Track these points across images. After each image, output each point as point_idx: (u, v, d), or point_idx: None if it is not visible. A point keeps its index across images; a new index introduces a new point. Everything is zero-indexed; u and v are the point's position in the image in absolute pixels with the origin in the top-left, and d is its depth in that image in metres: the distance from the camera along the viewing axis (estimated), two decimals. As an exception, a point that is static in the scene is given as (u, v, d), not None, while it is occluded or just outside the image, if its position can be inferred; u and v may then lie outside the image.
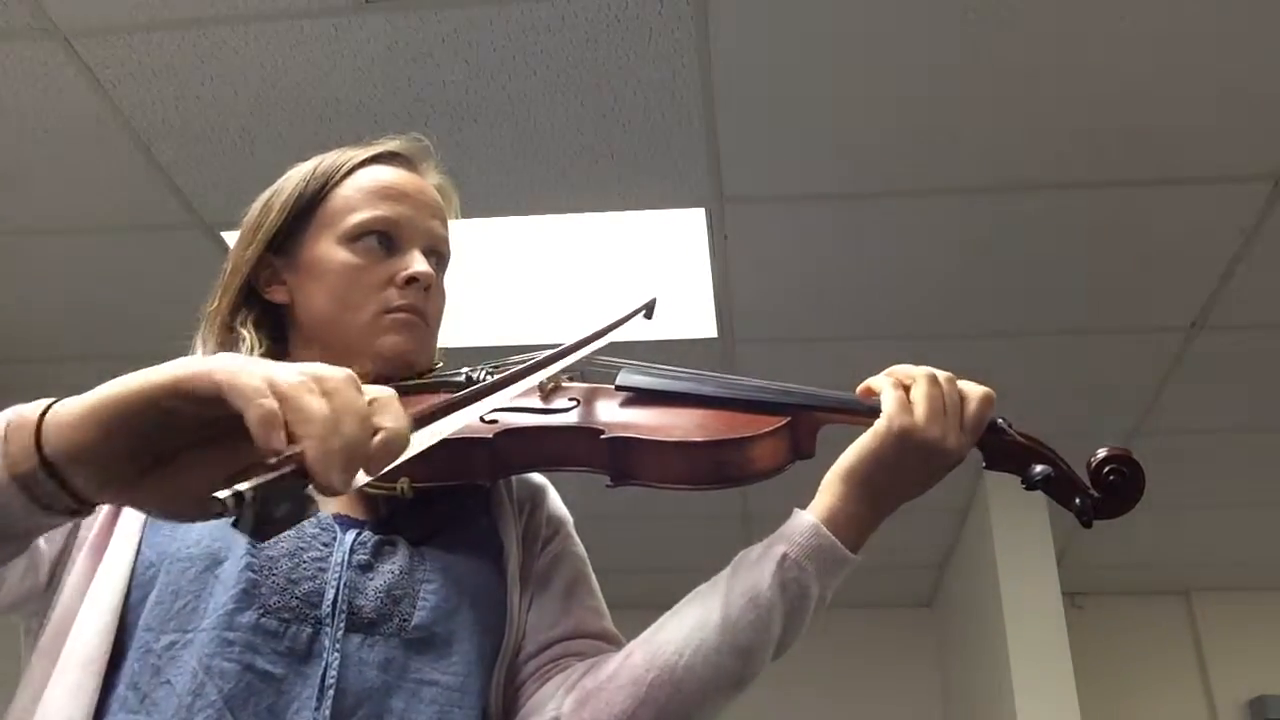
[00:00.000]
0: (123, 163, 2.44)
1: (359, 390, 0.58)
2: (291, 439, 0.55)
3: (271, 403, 0.56)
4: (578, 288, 2.88)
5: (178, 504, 0.61)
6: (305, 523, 0.90)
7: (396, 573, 0.91)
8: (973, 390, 0.94)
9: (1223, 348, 2.95)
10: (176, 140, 2.39)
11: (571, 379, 1.02)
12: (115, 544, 0.88)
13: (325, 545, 0.90)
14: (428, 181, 1.10)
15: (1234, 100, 2.19)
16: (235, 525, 0.53)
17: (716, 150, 2.38)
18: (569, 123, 2.32)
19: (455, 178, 1.16)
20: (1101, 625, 4.43)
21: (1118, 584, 4.55)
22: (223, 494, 0.51)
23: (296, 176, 1.07)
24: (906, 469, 0.91)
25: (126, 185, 2.51)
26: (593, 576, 1.07)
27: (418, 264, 1.02)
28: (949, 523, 4.10)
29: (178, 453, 0.60)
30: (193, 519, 0.62)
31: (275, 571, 0.86)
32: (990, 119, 2.27)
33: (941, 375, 0.93)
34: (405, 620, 0.89)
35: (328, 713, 0.83)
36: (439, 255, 1.07)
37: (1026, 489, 0.95)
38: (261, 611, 0.84)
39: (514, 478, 1.07)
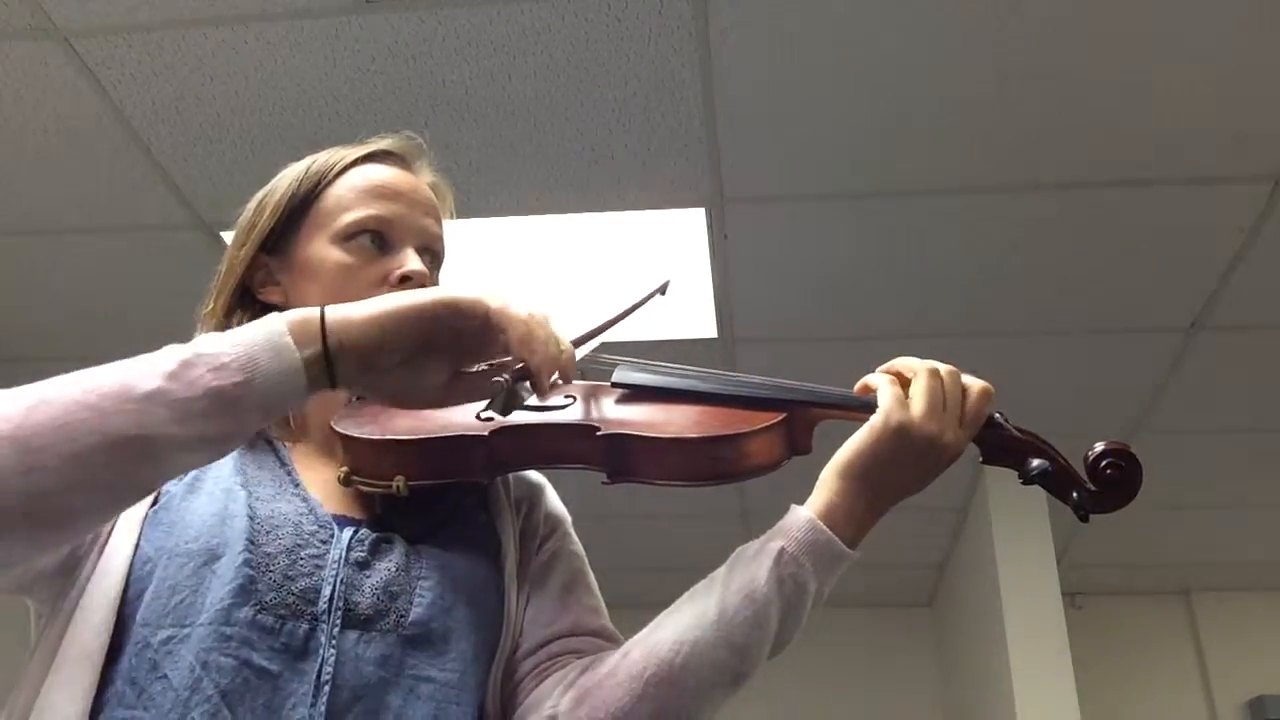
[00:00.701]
0: (123, 163, 2.45)
1: (552, 324, 0.84)
2: (522, 353, 0.81)
3: (526, 329, 0.81)
4: (578, 288, 2.88)
5: (417, 390, 0.83)
6: (303, 520, 0.91)
7: (393, 570, 0.91)
8: (971, 384, 0.94)
9: (1223, 348, 2.95)
10: (176, 140, 2.39)
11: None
12: (114, 540, 0.88)
13: (323, 543, 0.91)
14: (421, 180, 1.10)
15: (1234, 100, 2.19)
16: (489, 405, 0.83)
17: (716, 150, 2.38)
18: (569, 123, 2.32)
19: (455, 178, 1.16)
20: (1101, 625, 4.43)
21: (1118, 584, 4.55)
22: (496, 379, 0.81)
23: (290, 176, 1.07)
24: (903, 464, 0.91)
25: (126, 185, 2.52)
26: (590, 574, 1.07)
27: (411, 263, 1.01)
28: (949, 522, 4.10)
29: (414, 355, 0.80)
30: (434, 402, 0.86)
31: (272, 568, 0.87)
32: (990, 119, 2.27)
33: (944, 370, 0.93)
34: (402, 617, 0.89)
35: (324, 708, 0.83)
36: (433, 253, 1.07)
37: (1023, 483, 0.94)
38: (258, 607, 0.85)
39: (512, 476, 1.07)
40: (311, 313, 0.79)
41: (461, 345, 0.82)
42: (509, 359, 0.82)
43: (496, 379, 0.81)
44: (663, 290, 1.09)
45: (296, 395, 0.78)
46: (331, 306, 0.79)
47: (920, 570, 4.54)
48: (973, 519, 3.95)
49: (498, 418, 0.93)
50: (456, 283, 0.83)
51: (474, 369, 0.84)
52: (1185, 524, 3.99)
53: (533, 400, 0.91)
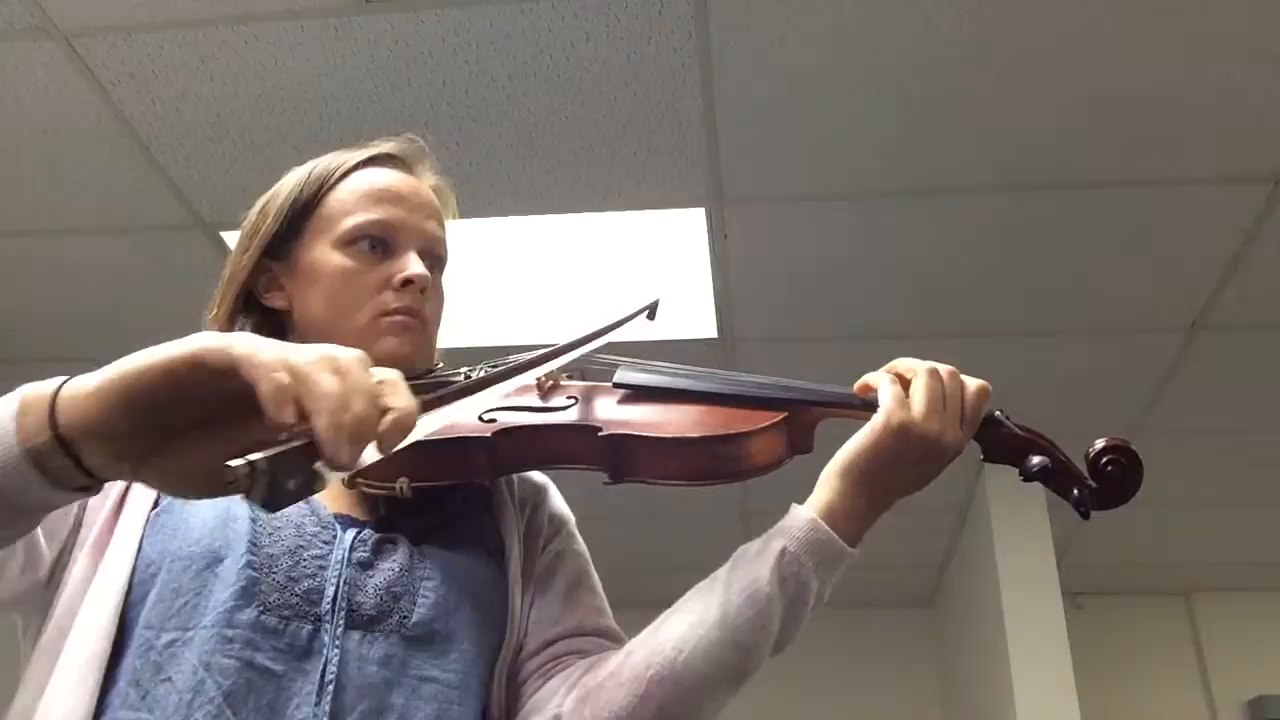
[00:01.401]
0: (123, 163, 2.45)
1: (369, 371, 0.61)
2: (303, 415, 0.57)
3: (285, 378, 0.58)
4: (578, 288, 2.88)
5: (189, 479, 0.62)
6: (306, 521, 0.91)
7: (396, 570, 0.91)
8: (968, 383, 0.94)
9: (1223, 348, 2.95)
10: (176, 140, 2.39)
11: (570, 377, 1.02)
12: (116, 543, 0.89)
13: (325, 543, 0.91)
14: (424, 182, 1.10)
15: (1234, 100, 2.19)
16: (247, 497, 0.55)
17: (716, 150, 2.38)
18: (569, 123, 2.32)
19: (455, 178, 1.16)
20: (1101, 625, 4.43)
21: (1118, 584, 4.55)
22: (235, 463, 0.54)
23: (292, 181, 1.07)
24: (904, 463, 0.91)
25: (126, 185, 2.51)
26: (594, 575, 1.07)
27: (413, 266, 1.01)
28: (949, 523, 4.10)
29: (188, 429, 0.62)
30: (204, 494, 0.63)
31: (275, 569, 0.87)
32: (990, 119, 2.27)
33: (943, 369, 0.93)
34: (405, 617, 0.89)
35: (327, 708, 0.83)
36: (435, 257, 1.07)
37: (1024, 480, 0.95)
38: (261, 609, 0.85)
39: (515, 477, 1.07)
40: (46, 388, 0.63)
41: (228, 410, 0.61)
42: (303, 426, 0.58)
43: (238, 463, 0.55)
44: (651, 313, 1.06)
45: (39, 492, 0.62)
46: (76, 379, 0.63)
47: (920, 570, 4.54)
48: (973, 519, 3.95)
49: (498, 416, 0.93)
50: (209, 334, 0.62)
51: (277, 436, 0.59)
52: (1185, 524, 3.99)
53: (530, 399, 0.90)
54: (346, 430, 0.57)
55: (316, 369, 0.59)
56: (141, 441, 0.61)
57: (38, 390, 0.63)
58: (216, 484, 0.56)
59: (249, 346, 0.59)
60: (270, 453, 0.55)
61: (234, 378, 0.59)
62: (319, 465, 0.57)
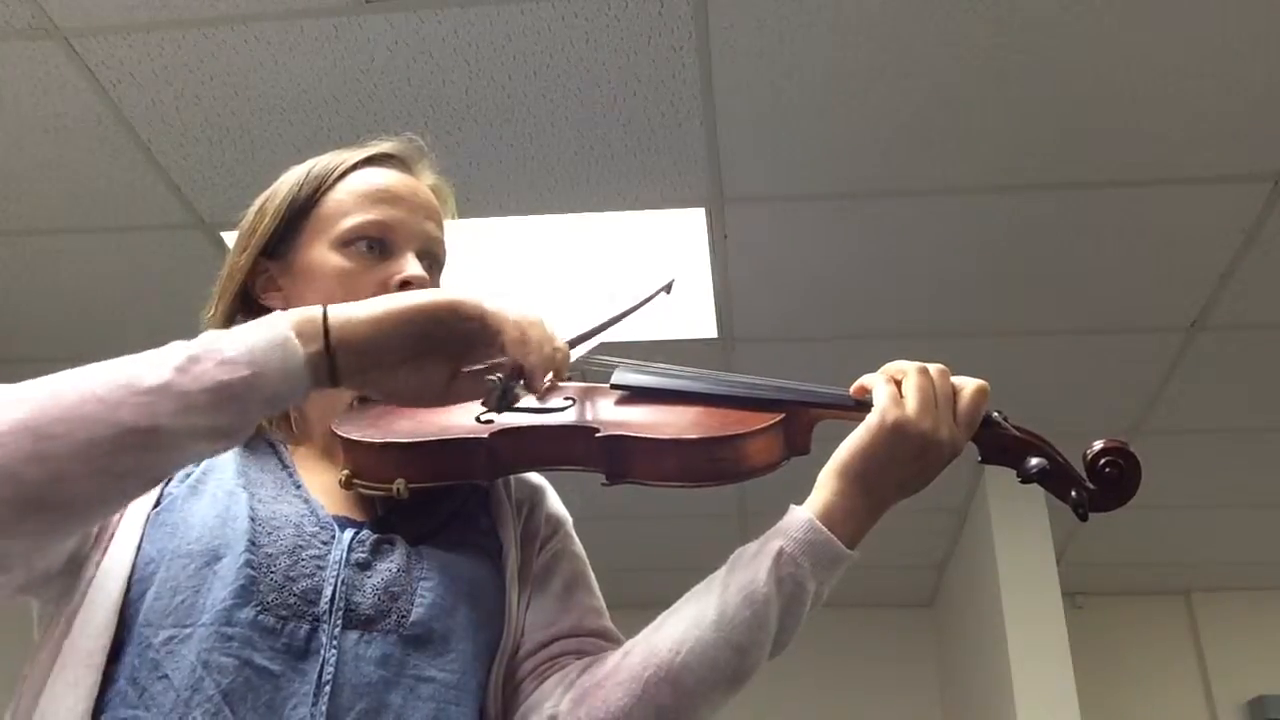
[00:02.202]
0: (123, 163, 2.45)
1: (545, 324, 0.87)
2: (518, 354, 0.84)
3: (518, 332, 0.84)
4: (578, 288, 2.88)
5: (417, 389, 0.85)
6: (304, 521, 0.91)
7: (394, 570, 0.92)
8: (966, 383, 0.94)
9: (1223, 348, 2.95)
10: (176, 140, 2.39)
11: (568, 378, 1.02)
12: (117, 540, 0.89)
13: (324, 544, 0.91)
14: (422, 182, 1.09)
15: (1234, 100, 2.19)
16: (484, 403, 0.85)
17: (716, 150, 2.39)
18: (569, 123, 2.33)
19: (455, 178, 1.16)
20: (1101, 625, 4.43)
21: (1118, 584, 4.55)
22: (493, 378, 0.83)
23: (290, 180, 1.07)
24: (900, 463, 0.91)
25: (126, 185, 2.52)
26: (591, 575, 1.07)
27: (411, 268, 1.01)
28: (949, 523, 4.10)
29: (419, 356, 0.83)
30: (435, 401, 0.87)
31: (274, 569, 0.87)
32: (990, 119, 2.27)
33: (933, 368, 0.93)
34: (403, 617, 0.89)
35: (324, 708, 0.83)
36: (434, 257, 1.06)
37: (1022, 482, 0.94)
38: (260, 608, 0.85)
39: (513, 478, 1.07)
40: (315, 311, 0.81)
41: (459, 345, 0.84)
42: (506, 359, 0.84)
43: (491, 378, 0.83)
44: (667, 289, 1.09)
45: (299, 390, 0.80)
46: (334, 306, 0.82)
47: (920, 570, 4.54)
48: (973, 519, 3.95)
49: (495, 417, 0.93)
50: (455, 286, 0.85)
51: (473, 369, 0.86)
52: (1185, 524, 3.99)
53: (529, 400, 0.91)
54: (545, 364, 0.85)
55: (532, 325, 0.85)
56: (392, 356, 0.82)
57: (305, 313, 0.81)
58: (455, 395, 0.86)
59: (495, 304, 0.85)
60: (502, 375, 0.83)
61: (477, 322, 0.84)
62: (519, 388, 0.84)
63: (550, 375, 0.85)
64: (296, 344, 0.79)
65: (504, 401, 0.83)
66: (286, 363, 0.78)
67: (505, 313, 0.84)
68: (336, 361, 0.80)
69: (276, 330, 0.79)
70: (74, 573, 0.88)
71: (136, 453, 0.74)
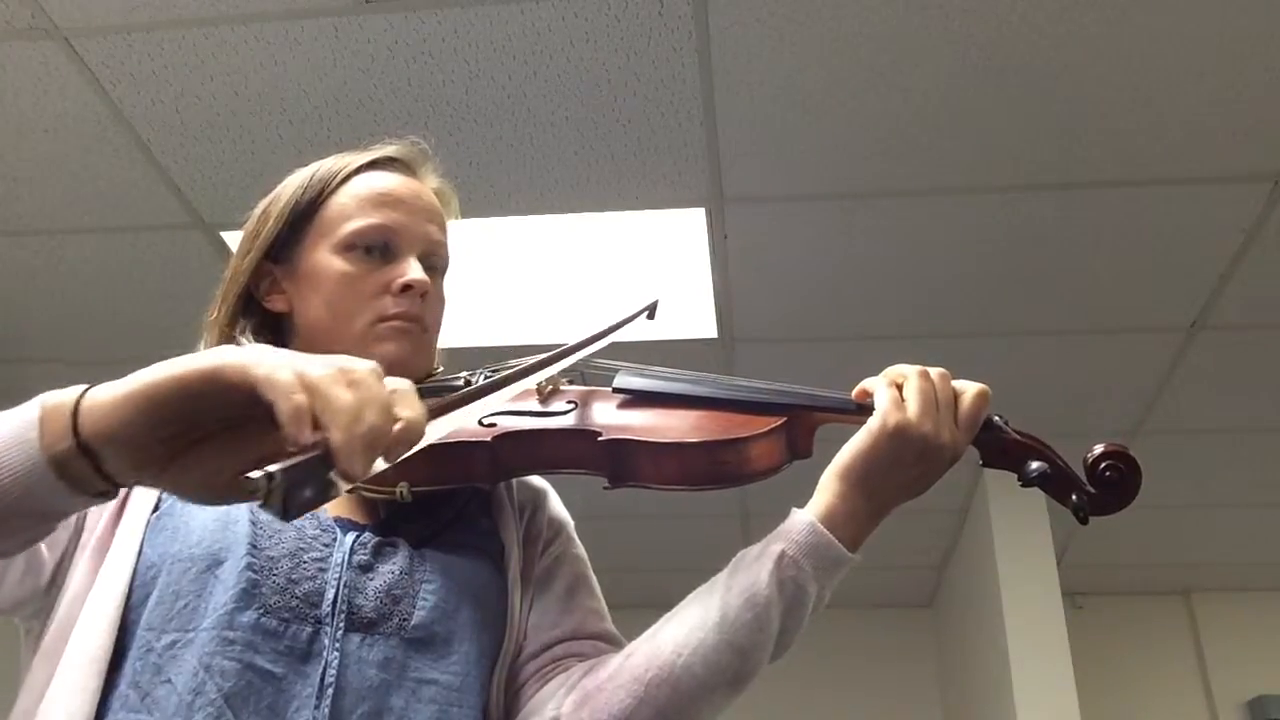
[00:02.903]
0: (123, 163, 2.45)
1: (381, 382, 0.62)
2: (317, 426, 0.59)
3: (302, 398, 0.59)
4: (578, 288, 2.88)
5: (207, 485, 0.64)
6: (306, 525, 0.91)
7: (396, 573, 0.92)
8: (967, 387, 0.94)
9: (1223, 348, 2.95)
10: (176, 140, 2.39)
11: (570, 382, 1.02)
12: (117, 546, 0.89)
13: (326, 546, 0.91)
14: (426, 185, 1.09)
15: (1234, 100, 2.19)
16: (264, 505, 0.56)
17: (716, 150, 2.38)
18: (569, 123, 2.32)
19: (455, 178, 1.16)
20: (1101, 625, 4.43)
21: (1118, 584, 4.55)
22: (254, 475, 0.55)
23: (294, 184, 1.07)
24: (902, 466, 0.91)
25: (126, 185, 2.51)
26: (593, 578, 1.07)
27: (413, 271, 1.01)
28: (949, 523, 4.10)
29: (206, 437, 0.63)
30: (222, 501, 0.65)
31: (275, 572, 0.87)
32: (990, 119, 2.27)
33: (934, 372, 0.93)
34: (405, 619, 0.90)
35: (327, 711, 0.83)
36: (437, 261, 1.06)
37: (1023, 485, 0.95)
38: (262, 611, 0.85)
39: (515, 481, 1.07)
40: (68, 396, 0.65)
41: (245, 419, 0.62)
42: (317, 440, 0.59)
43: (272, 469, 0.56)
44: (650, 313, 1.06)
45: (60, 497, 0.64)
46: (96, 387, 0.64)
47: (920, 570, 4.54)
48: (973, 519, 3.95)
49: (497, 420, 0.93)
50: (229, 350, 0.63)
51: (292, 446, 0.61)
52: (1185, 524, 3.99)
53: (529, 404, 0.90)
54: (360, 443, 0.59)
55: (332, 383, 0.60)
56: (161, 449, 0.63)
57: (58, 398, 0.65)
58: (235, 492, 0.62)
59: (267, 365, 0.60)
60: (286, 464, 0.56)
61: (251, 394, 0.60)
62: (333, 475, 0.59)
63: (368, 455, 0.59)
64: (35, 443, 0.63)
65: (288, 501, 0.57)
66: (27, 467, 0.63)
67: (284, 375, 0.60)
68: (100, 461, 0.63)
69: (24, 423, 0.64)
70: (59, 586, 0.88)
71: None
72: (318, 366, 0.61)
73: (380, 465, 0.61)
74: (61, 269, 2.81)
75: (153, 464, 0.63)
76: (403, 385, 0.63)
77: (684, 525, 3.95)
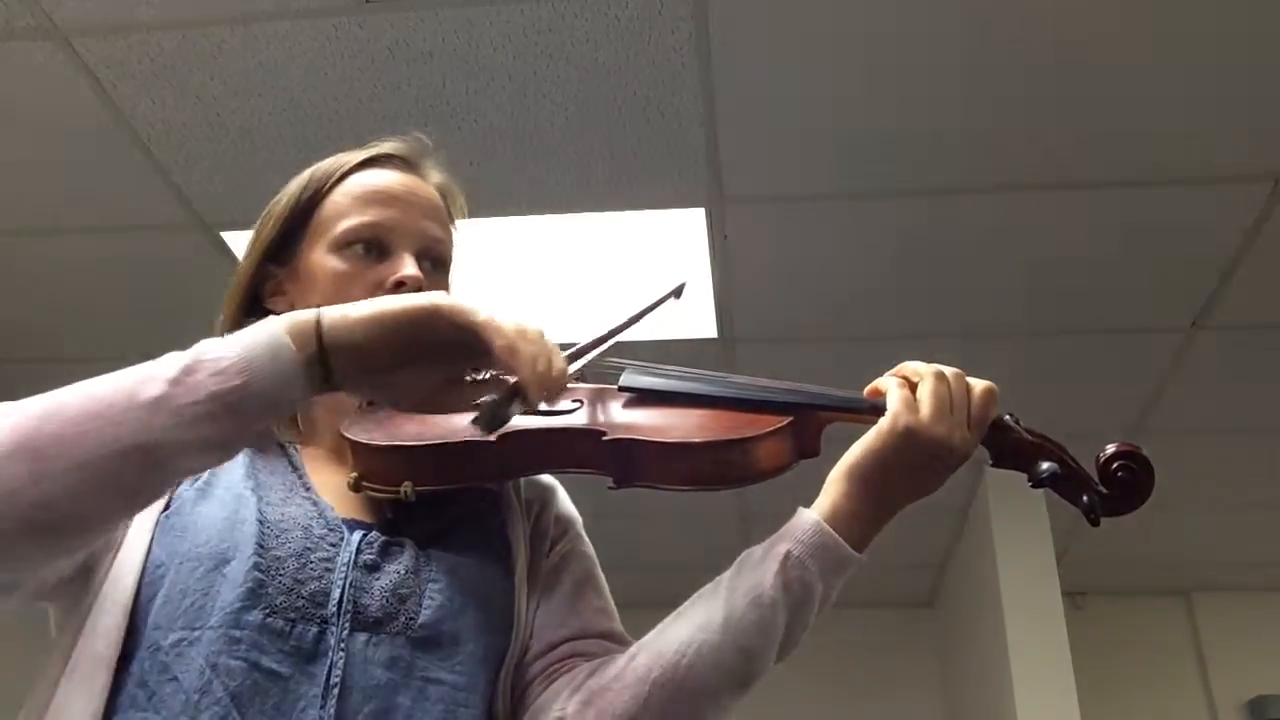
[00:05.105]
0: (123, 163, 2.44)
1: (545, 339, 0.82)
2: (510, 367, 0.79)
3: (507, 341, 0.79)
4: (578, 288, 2.88)
5: (413, 393, 0.83)
6: (313, 524, 0.91)
7: (403, 573, 0.91)
8: (974, 384, 0.93)
9: (1223, 348, 2.95)
10: (176, 140, 2.39)
11: (576, 380, 1.02)
12: (127, 544, 0.89)
13: (332, 546, 0.91)
14: (427, 181, 1.09)
15: (1234, 100, 2.19)
16: (474, 421, 0.80)
17: (716, 150, 2.38)
18: (569, 122, 2.32)
19: (455, 178, 1.15)
20: (1101, 625, 4.42)
21: (1118, 584, 4.55)
22: (482, 399, 0.81)
23: (294, 185, 1.07)
24: (911, 467, 0.91)
25: (126, 185, 2.51)
26: (601, 576, 1.07)
27: (406, 268, 1.01)
28: (949, 523, 4.10)
29: (414, 359, 0.81)
30: (422, 410, 0.89)
31: (282, 571, 0.87)
32: (990, 119, 2.27)
33: (949, 372, 0.93)
34: (411, 619, 0.89)
35: (333, 711, 0.83)
36: (435, 257, 1.05)
37: (1033, 486, 0.93)
38: (268, 611, 0.85)
39: (522, 479, 1.07)
40: (309, 314, 0.80)
41: (449, 353, 0.81)
42: (499, 372, 0.82)
43: (482, 399, 0.81)
44: (677, 293, 1.06)
45: (296, 395, 0.78)
46: (330, 308, 0.80)
47: (920, 570, 4.54)
48: (973, 519, 3.95)
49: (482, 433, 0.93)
50: (458, 292, 0.81)
51: (474, 379, 0.85)
52: (1185, 524, 3.99)
53: (520, 417, 0.90)
54: (540, 382, 0.79)
55: (524, 337, 0.80)
56: (387, 361, 0.80)
57: (299, 316, 0.80)
58: (434, 404, 0.85)
59: (490, 312, 0.81)
60: (496, 395, 0.80)
61: (466, 330, 0.80)
62: (515, 404, 0.80)
63: (545, 393, 0.80)
64: (290, 349, 0.77)
65: (493, 420, 0.80)
66: (280, 369, 0.76)
67: (498, 323, 0.80)
68: (331, 365, 0.78)
69: (271, 335, 0.78)
70: (88, 577, 0.88)
71: (136, 470, 0.73)
72: (516, 323, 0.81)
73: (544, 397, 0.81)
74: (61, 269, 2.81)
75: (377, 370, 0.80)
76: (551, 342, 0.83)
77: (685, 525, 3.95)
